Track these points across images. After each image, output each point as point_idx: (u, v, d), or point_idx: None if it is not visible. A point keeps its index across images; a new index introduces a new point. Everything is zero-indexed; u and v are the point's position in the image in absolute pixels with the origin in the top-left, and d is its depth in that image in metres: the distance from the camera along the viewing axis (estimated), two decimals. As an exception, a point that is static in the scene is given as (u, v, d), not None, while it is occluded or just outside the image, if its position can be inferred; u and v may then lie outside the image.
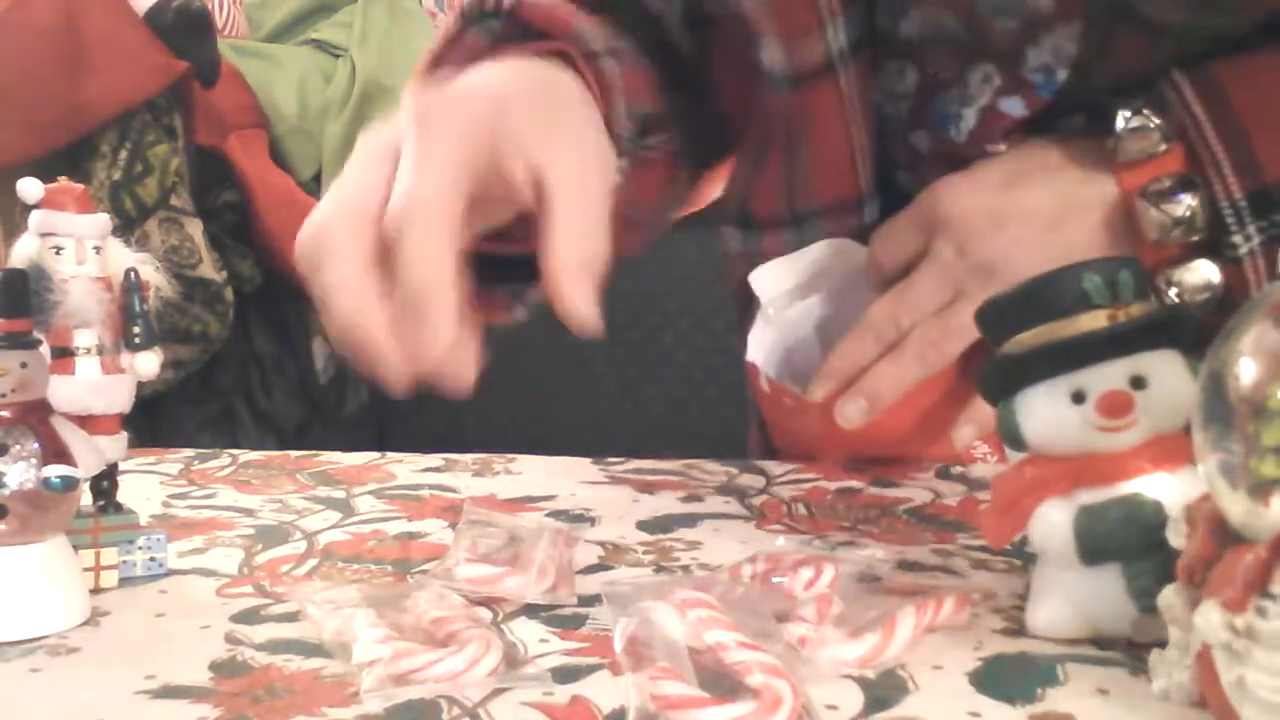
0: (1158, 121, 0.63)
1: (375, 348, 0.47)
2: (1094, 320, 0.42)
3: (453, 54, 0.63)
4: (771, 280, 0.76)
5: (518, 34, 0.62)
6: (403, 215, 0.46)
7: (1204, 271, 0.63)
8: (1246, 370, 0.34)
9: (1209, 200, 0.62)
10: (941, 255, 0.67)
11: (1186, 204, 0.62)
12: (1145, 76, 0.63)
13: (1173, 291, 0.63)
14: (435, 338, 0.46)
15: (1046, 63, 0.68)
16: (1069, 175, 0.66)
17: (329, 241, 0.48)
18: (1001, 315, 0.45)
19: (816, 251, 0.74)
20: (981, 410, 0.69)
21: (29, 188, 0.49)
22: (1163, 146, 0.63)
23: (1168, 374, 0.42)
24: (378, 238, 0.47)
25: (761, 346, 0.76)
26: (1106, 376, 0.42)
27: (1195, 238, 0.63)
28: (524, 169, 0.49)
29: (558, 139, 0.49)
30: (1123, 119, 0.64)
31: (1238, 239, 0.62)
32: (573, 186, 0.48)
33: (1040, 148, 0.68)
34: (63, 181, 0.51)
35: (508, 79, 0.53)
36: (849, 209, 0.74)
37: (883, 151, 0.74)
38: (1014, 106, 0.70)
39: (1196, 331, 0.44)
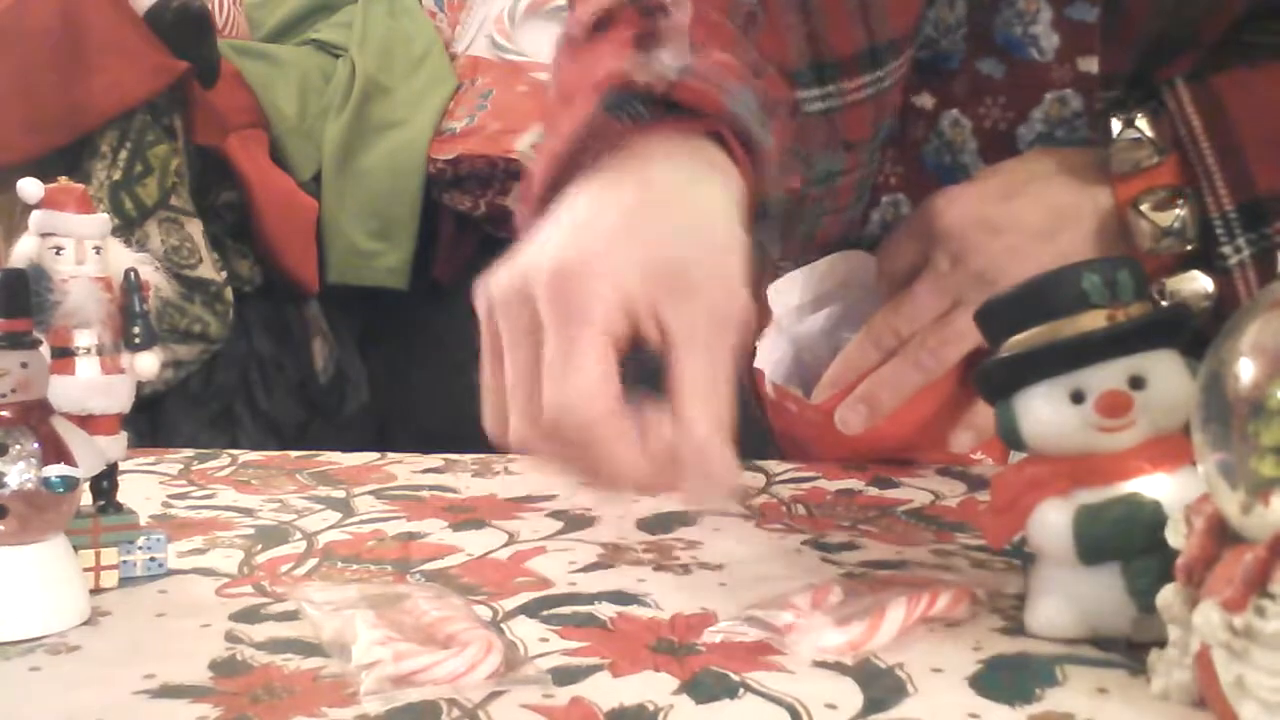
0: (1151, 134, 0.64)
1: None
2: (1093, 320, 0.42)
3: (596, 146, 0.53)
4: (786, 294, 0.77)
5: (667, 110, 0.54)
6: (569, 415, 0.45)
7: (1200, 281, 0.63)
8: (1245, 370, 0.34)
9: (1199, 211, 0.63)
10: (939, 265, 0.68)
11: (1176, 214, 0.63)
12: None
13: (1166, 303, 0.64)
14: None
15: None
16: (1064, 185, 0.66)
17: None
18: (1001, 315, 0.45)
19: (829, 265, 0.75)
20: (980, 417, 0.69)
21: (29, 188, 0.49)
22: (1156, 159, 0.64)
23: (1167, 374, 0.42)
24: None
25: (771, 355, 0.77)
26: (1106, 376, 0.42)
27: (1187, 248, 0.63)
28: (656, 330, 0.47)
29: (682, 298, 0.46)
30: (1116, 131, 0.64)
31: (1227, 250, 0.63)
32: (698, 348, 0.46)
33: (1036, 159, 0.69)
34: (63, 181, 0.50)
35: (636, 217, 0.49)
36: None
37: (944, 88, 0.72)
38: (1083, 11, 0.67)
39: (1195, 332, 0.44)
